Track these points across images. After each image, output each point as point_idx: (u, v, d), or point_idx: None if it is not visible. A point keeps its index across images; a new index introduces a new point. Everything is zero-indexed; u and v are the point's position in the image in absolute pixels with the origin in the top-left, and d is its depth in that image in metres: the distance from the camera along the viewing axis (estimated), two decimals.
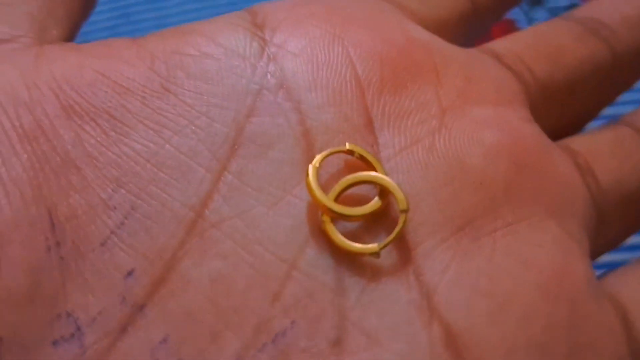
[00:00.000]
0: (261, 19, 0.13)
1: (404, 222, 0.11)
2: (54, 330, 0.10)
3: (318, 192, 0.11)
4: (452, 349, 0.11)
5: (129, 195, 0.11)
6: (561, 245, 0.12)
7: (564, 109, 0.15)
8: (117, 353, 0.10)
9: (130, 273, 0.11)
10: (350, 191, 0.12)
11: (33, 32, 0.13)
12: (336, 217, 0.11)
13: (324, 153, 0.11)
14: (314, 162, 0.11)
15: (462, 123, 0.13)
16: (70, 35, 0.14)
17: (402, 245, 0.11)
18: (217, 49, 0.12)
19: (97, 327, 0.10)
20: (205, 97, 0.12)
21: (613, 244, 0.15)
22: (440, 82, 0.13)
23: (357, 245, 0.11)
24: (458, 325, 0.11)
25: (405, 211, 0.11)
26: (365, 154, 0.11)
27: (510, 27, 0.31)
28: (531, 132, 0.13)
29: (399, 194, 0.11)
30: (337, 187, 0.11)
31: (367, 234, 0.12)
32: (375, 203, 0.11)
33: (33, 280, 0.10)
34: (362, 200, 0.11)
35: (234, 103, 0.12)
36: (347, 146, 0.12)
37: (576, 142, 0.15)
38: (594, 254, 0.14)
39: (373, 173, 0.11)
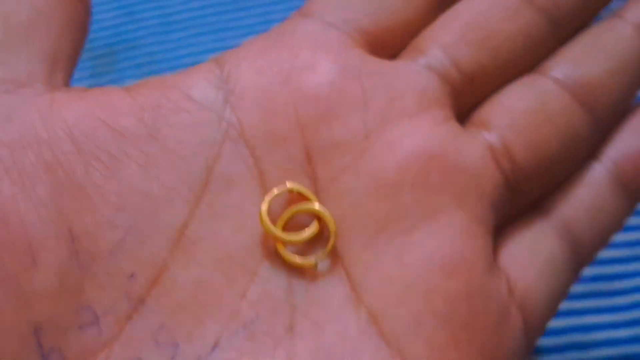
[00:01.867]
0: (227, 71, 0.16)
1: (334, 241, 0.15)
2: (79, 318, 0.13)
3: (270, 227, 0.14)
4: (375, 326, 0.14)
5: (128, 217, 0.14)
6: (463, 231, 0.15)
7: (494, 85, 0.17)
8: (126, 335, 0.13)
9: (132, 275, 0.14)
10: (295, 218, 0.15)
11: (45, 76, 0.16)
12: (285, 243, 0.15)
13: (270, 196, 0.15)
14: (263, 207, 0.14)
15: (380, 144, 0.15)
16: (70, 75, 0.17)
17: (334, 254, 0.15)
18: (191, 104, 0.15)
19: (110, 316, 0.13)
20: (183, 144, 0.15)
21: (532, 202, 0.17)
22: (367, 107, 0.15)
23: (299, 261, 0.14)
24: (378, 307, 0.14)
25: (334, 231, 0.15)
26: (301, 190, 0.15)
27: None
28: (443, 135, 0.15)
29: (329, 220, 0.15)
30: (284, 216, 0.15)
31: (308, 247, 0.15)
32: (312, 230, 0.15)
33: (61, 279, 0.13)
34: (304, 224, 0.15)
35: (205, 149, 0.15)
36: (288, 186, 0.15)
37: (496, 113, 0.16)
38: (511, 217, 0.16)
39: (309, 204, 0.15)
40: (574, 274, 0.16)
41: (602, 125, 0.17)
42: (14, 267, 0.13)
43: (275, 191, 0.15)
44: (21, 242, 0.13)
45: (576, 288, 0.24)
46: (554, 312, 0.16)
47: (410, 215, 0.15)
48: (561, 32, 0.17)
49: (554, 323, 0.24)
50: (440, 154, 0.15)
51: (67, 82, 0.16)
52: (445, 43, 0.16)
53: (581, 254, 0.16)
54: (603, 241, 0.17)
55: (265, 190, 0.15)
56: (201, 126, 0.15)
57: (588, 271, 0.25)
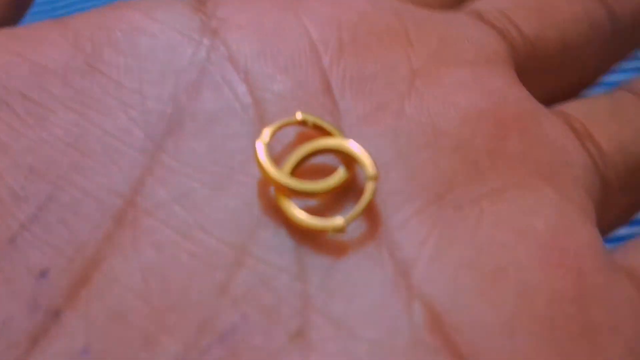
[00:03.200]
0: (211, 10, 0.12)
1: (373, 190, 0.10)
2: None
3: (270, 168, 0.09)
4: (438, 333, 0.09)
5: (45, 184, 0.10)
6: (560, 211, 0.11)
7: (557, 72, 0.14)
8: None
9: (43, 274, 0.09)
10: (308, 163, 0.10)
11: None
12: (295, 195, 0.10)
13: (274, 125, 0.10)
14: (262, 136, 0.10)
15: (435, 86, 0.11)
16: (12, 16, 0.13)
17: (372, 217, 0.10)
18: (152, 24, 0.11)
19: (1, 340, 0.09)
20: (137, 73, 0.11)
21: (620, 221, 0.13)
22: (411, 44, 0.12)
23: (318, 221, 0.09)
24: (443, 304, 0.09)
25: (375, 178, 0.10)
26: (320, 122, 0.10)
27: None
28: (515, 95, 0.12)
29: (366, 159, 0.10)
30: (292, 159, 0.10)
31: (328, 209, 0.10)
32: (341, 175, 0.10)
33: None
34: (323, 173, 0.10)
35: (172, 79, 0.11)
36: (299, 116, 0.10)
37: (571, 106, 0.13)
38: (601, 232, 0.12)
39: (333, 140, 0.10)
40: None
41: None
42: None
43: (279, 123, 0.10)
44: None
45: None
46: None
47: (486, 179, 0.11)
48: (623, 33, 0.14)
49: None
50: (519, 119, 0.11)
51: (12, 20, 0.13)
52: (502, 6, 0.14)
53: None
54: None
55: (261, 128, 0.11)
56: (167, 51, 0.11)
57: None
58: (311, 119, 0.10)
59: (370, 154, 0.10)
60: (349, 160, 0.10)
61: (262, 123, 0.11)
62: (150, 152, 0.10)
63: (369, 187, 0.10)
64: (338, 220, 0.09)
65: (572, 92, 0.14)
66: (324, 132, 0.10)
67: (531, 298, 0.09)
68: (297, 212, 0.09)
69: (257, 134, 0.10)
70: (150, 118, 0.10)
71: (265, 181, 0.10)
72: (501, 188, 0.11)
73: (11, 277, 0.09)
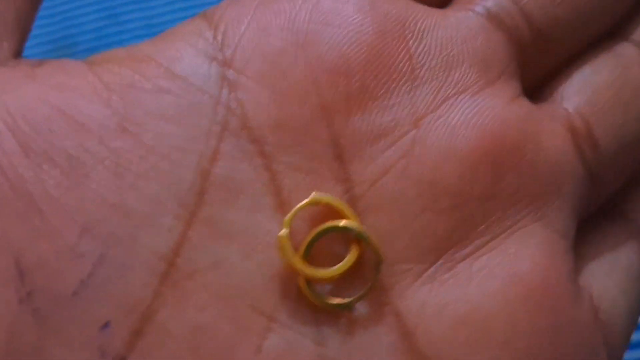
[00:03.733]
0: (221, 33, 0.12)
1: (377, 276, 0.11)
2: None
3: (293, 259, 0.11)
4: None
5: (97, 243, 0.10)
6: (546, 248, 0.12)
7: (568, 47, 0.14)
8: None
9: (106, 325, 0.10)
10: (325, 241, 0.11)
11: None
12: (312, 281, 0.11)
13: (291, 214, 0.11)
14: (283, 232, 0.11)
15: (436, 133, 0.12)
16: (21, 46, 0.13)
17: (379, 290, 0.11)
18: (175, 82, 0.12)
19: None
20: (166, 138, 0.11)
21: (609, 197, 0.14)
22: (416, 81, 0.12)
23: (330, 301, 0.11)
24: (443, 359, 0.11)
25: (380, 263, 0.11)
26: (332, 202, 0.11)
27: None
28: (515, 119, 0.12)
29: (373, 246, 0.11)
30: (308, 240, 0.11)
31: (345, 282, 0.11)
32: (347, 261, 0.11)
33: (10, 335, 0.10)
34: (337, 249, 0.11)
35: (197, 145, 0.11)
36: (313, 196, 0.11)
37: (573, 88, 0.13)
38: (588, 213, 0.14)
39: (342, 223, 0.11)
40: None
41: None
42: None
43: (294, 211, 0.11)
44: None
45: None
46: (633, 332, 0.13)
47: (477, 232, 0.12)
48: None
49: None
50: (516, 146, 0.12)
51: (17, 52, 0.13)
52: None
53: None
54: None
55: (280, 200, 0.11)
56: (190, 114, 0.11)
57: None
58: (323, 199, 0.11)
59: (377, 225, 0.11)
60: (357, 239, 0.11)
61: (280, 195, 0.11)
62: (185, 219, 0.11)
63: (374, 273, 0.11)
64: (346, 301, 0.11)
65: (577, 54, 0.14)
66: (335, 210, 0.11)
67: (514, 344, 0.11)
68: (315, 293, 0.11)
69: (277, 206, 0.11)
70: (181, 186, 0.11)
71: (288, 266, 0.11)
72: (492, 238, 0.12)
73: (80, 327, 0.10)
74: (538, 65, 0.14)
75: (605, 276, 0.13)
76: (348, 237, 0.11)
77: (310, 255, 0.11)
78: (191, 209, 0.11)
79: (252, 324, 0.11)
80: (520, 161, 0.12)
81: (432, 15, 0.13)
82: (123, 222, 0.11)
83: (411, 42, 0.12)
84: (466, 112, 0.12)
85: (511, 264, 0.12)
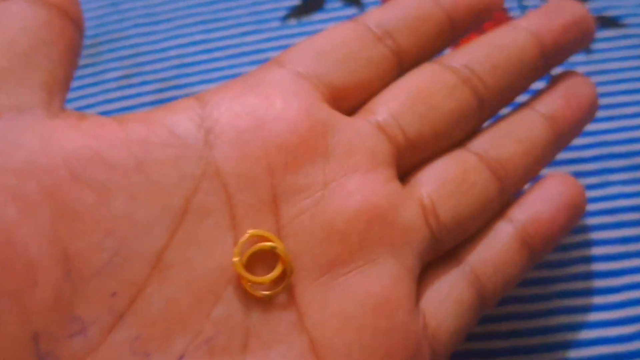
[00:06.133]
0: (208, 111, 0.18)
1: (289, 280, 0.17)
2: (70, 328, 0.15)
3: (244, 274, 0.17)
4: (313, 351, 0.17)
5: (114, 242, 0.16)
6: (394, 277, 0.18)
7: (430, 151, 0.20)
8: (108, 344, 0.15)
9: (114, 294, 0.16)
10: (260, 256, 0.17)
11: (44, 101, 0.17)
12: (254, 283, 0.17)
13: (237, 247, 0.17)
14: (235, 259, 0.17)
15: (336, 194, 0.18)
16: (66, 96, 0.18)
17: (289, 289, 0.17)
18: (175, 140, 0.17)
19: (95, 327, 0.15)
20: (166, 176, 0.17)
21: (447, 251, 0.20)
22: (328, 160, 0.18)
23: (260, 293, 0.17)
24: (318, 336, 0.17)
25: (290, 273, 0.17)
26: (264, 234, 0.17)
27: (504, 17, 0.31)
28: (386, 193, 0.18)
29: (286, 259, 0.17)
30: (248, 253, 0.17)
31: (271, 283, 0.17)
32: (275, 271, 0.17)
33: (56, 295, 0.15)
34: (268, 258, 0.17)
35: (185, 183, 0.17)
36: (250, 232, 0.17)
37: (428, 180, 0.20)
38: (430, 262, 0.20)
39: (269, 244, 0.17)
40: (477, 314, 0.20)
41: (509, 192, 0.21)
42: (17, 284, 0.15)
43: (239, 245, 0.17)
44: (24, 262, 0.15)
45: (569, 286, 0.24)
46: (458, 344, 0.19)
47: (354, 260, 0.18)
48: (487, 111, 0.21)
49: (545, 322, 0.23)
50: (384, 210, 0.18)
51: (63, 103, 0.18)
52: (395, 110, 0.20)
53: (486, 298, 0.20)
54: (505, 289, 0.20)
55: (234, 223, 0.17)
56: (183, 162, 0.17)
57: (581, 268, 0.24)
58: (256, 233, 0.17)
59: (291, 246, 0.17)
60: (279, 255, 0.17)
61: (234, 220, 0.17)
62: (172, 230, 0.16)
63: (287, 277, 0.17)
64: (266, 292, 0.17)
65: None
66: (267, 239, 0.17)
67: (362, 333, 0.17)
68: (249, 286, 0.17)
69: (233, 226, 0.17)
70: (172, 209, 0.17)
71: (239, 275, 0.17)
72: (362, 264, 0.18)
73: (97, 295, 0.15)
74: (409, 161, 0.20)
75: (437, 303, 0.19)
76: (275, 254, 0.17)
77: (251, 263, 0.17)
78: (176, 223, 0.16)
79: (206, 299, 0.16)
80: (385, 220, 0.18)
81: (344, 120, 0.19)
82: (132, 229, 0.16)
83: (329, 136, 0.18)
84: (357, 184, 0.18)
85: (370, 282, 0.17)
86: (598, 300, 0.24)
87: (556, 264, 0.24)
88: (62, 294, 0.15)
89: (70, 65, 0.18)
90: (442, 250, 0.20)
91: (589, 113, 0.22)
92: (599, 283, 0.24)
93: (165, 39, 0.31)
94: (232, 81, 0.19)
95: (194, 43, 0.31)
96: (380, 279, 0.17)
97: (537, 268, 0.24)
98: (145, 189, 0.16)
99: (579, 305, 0.24)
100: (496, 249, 0.20)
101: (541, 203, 0.21)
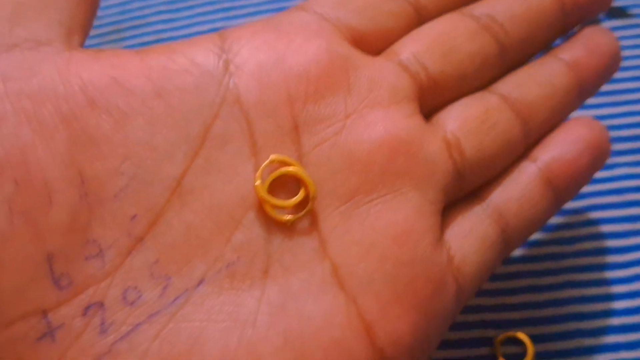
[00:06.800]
0: (229, 44, 0.18)
1: (312, 205, 0.17)
2: (86, 250, 0.15)
3: (265, 195, 0.17)
4: (336, 277, 0.17)
5: (132, 166, 0.16)
6: (417, 208, 0.18)
7: (454, 92, 0.20)
8: (126, 267, 0.16)
9: (133, 217, 0.16)
10: (282, 179, 0.17)
11: (62, 37, 0.17)
12: (276, 207, 0.17)
13: (259, 171, 0.17)
14: (257, 182, 0.17)
15: (358, 125, 0.18)
16: (85, 38, 0.18)
17: (311, 217, 0.17)
18: (195, 68, 0.17)
19: (112, 250, 0.15)
20: (185, 102, 0.17)
21: (472, 190, 0.20)
22: (350, 93, 0.18)
23: (279, 216, 0.17)
24: (340, 262, 0.17)
25: (314, 199, 0.17)
26: (285, 159, 0.17)
27: None
28: (409, 126, 0.18)
29: (310, 185, 0.17)
30: (270, 178, 0.17)
31: (293, 208, 0.17)
32: (298, 196, 0.17)
33: (71, 217, 0.15)
34: (290, 188, 0.17)
35: (204, 110, 0.17)
36: (271, 157, 0.17)
37: (452, 117, 0.20)
38: (456, 201, 0.20)
39: (293, 168, 0.17)
40: (502, 253, 0.20)
41: (533, 135, 0.21)
42: (32, 203, 0.15)
43: (261, 168, 0.17)
44: (39, 182, 0.15)
45: (578, 261, 0.25)
46: (483, 281, 0.19)
47: (376, 190, 0.18)
48: (508, 59, 0.21)
49: (556, 294, 0.24)
50: (407, 142, 0.18)
51: (82, 44, 0.18)
52: (417, 51, 0.20)
53: (510, 237, 0.20)
54: (529, 230, 0.20)
55: (254, 150, 0.17)
56: (202, 89, 0.17)
57: (589, 245, 0.25)
58: (278, 158, 0.17)
59: (312, 174, 0.17)
60: (301, 180, 0.17)
61: (254, 147, 0.17)
62: (190, 156, 0.17)
63: (311, 203, 0.17)
64: (289, 217, 0.17)
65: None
66: (288, 164, 0.17)
67: (386, 261, 0.17)
68: (272, 210, 0.17)
69: (252, 154, 0.17)
70: (190, 135, 0.17)
71: (261, 199, 0.17)
72: (384, 194, 0.18)
73: (116, 217, 0.16)
74: (431, 102, 0.20)
75: (462, 238, 0.19)
76: (297, 179, 0.17)
77: (272, 189, 0.17)
78: (195, 150, 0.17)
79: (226, 225, 0.16)
80: (408, 152, 0.18)
81: (365, 58, 0.19)
82: (150, 154, 0.16)
83: (350, 70, 0.18)
84: (379, 116, 0.18)
85: (393, 212, 0.17)
86: (606, 275, 0.25)
87: (566, 240, 0.25)
88: (78, 216, 0.15)
89: (89, 8, 0.19)
90: (466, 188, 0.20)
91: (611, 63, 0.22)
92: (607, 259, 0.25)
93: (187, 26, 0.32)
94: (254, 22, 0.19)
95: (214, 30, 0.32)
96: (402, 210, 0.18)
97: (547, 244, 0.25)
98: (164, 116, 0.16)
99: (588, 280, 0.25)
100: (520, 188, 0.20)
101: (565, 144, 0.21)
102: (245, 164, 0.17)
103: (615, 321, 0.24)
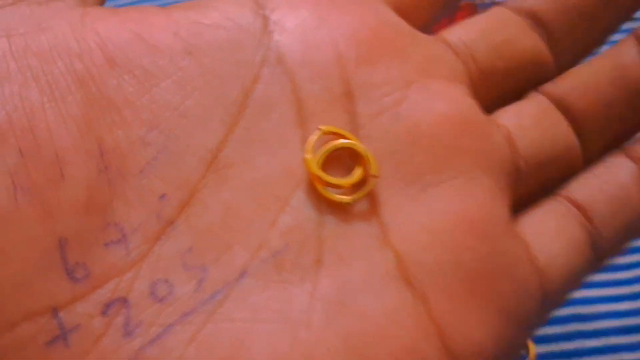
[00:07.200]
0: (262, 1, 0.15)
1: (373, 184, 0.14)
2: (106, 235, 0.13)
3: (317, 171, 0.14)
4: (399, 269, 0.14)
5: (160, 135, 0.13)
6: (490, 194, 0.15)
7: (499, 88, 0.18)
8: (154, 256, 0.13)
9: (163, 196, 0.13)
10: (335, 153, 0.15)
11: None
12: (328, 185, 0.14)
13: (309, 143, 0.14)
14: (307, 156, 0.14)
15: (421, 95, 0.15)
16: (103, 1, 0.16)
17: (370, 198, 0.15)
18: (229, 23, 0.15)
19: (138, 235, 0.13)
20: (219, 62, 0.14)
21: (526, 201, 0.17)
22: (406, 59, 0.16)
23: (338, 196, 0.14)
24: (404, 251, 0.14)
25: (375, 176, 0.14)
26: (336, 131, 0.14)
27: (472, 11, 0.32)
28: (474, 107, 0.16)
29: (372, 163, 0.14)
30: (322, 152, 0.14)
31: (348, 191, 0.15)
32: (355, 174, 0.14)
33: (89, 194, 0.13)
34: (342, 160, 0.15)
35: (243, 71, 0.14)
36: (322, 129, 0.14)
37: (505, 116, 0.17)
38: (529, 200, 0.17)
39: (349, 141, 0.14)
40: (592, 263, 0.16)
41: (594, 142, 0.18)
42: (40, 177, 0.12)
43: (313, 139, 0.14)
44: (48, 152, 0.13)
45: None
46: (573, 290, 0.16)
47: (444, 170, 0.15)
48: (559, 58, 0.18)
49: None
50: (476, 123, 0.16)
51: (101, 3, 0.16)
52: (468, 39, 0.17)
53: (601, 243, 0.16)
54: (625, 235, 0.17)
55: (302, 118, 0.15)
56: (239, 46, 0.14)
57: None
58: (330, 129, 0.14)
59: (372, 149, 0.15)
60: (359, 155, 0.14)
61: (301, 114, 0.15)
62: (228, 125, 0.14)
63: (372, 182, 0.14)
64: (347, 198, 0.14)
65: (511, 99, 0.18)
66: (341, 136, 0.15)
67: (460, 253, 0.14)
68: (327, 191, 0.14)
69: (299, 122, 0.15)
70: (227, 99, 0.14)
71: (312, 175, 0.14)
72: (454, 176, 0.15)
73: (142, 196, 0.13)
74: (480, 97, 0.17)
75: (546, 238, 0.16)
76: (354, 154, 0.15)
77: (323, 165, 0.14)
78: (234, 117, 0.14)
79: (270, 205, 0.14)
80: (476, 131, 0.16)
81: (417, 31, 0.16)
82: (182, 122, 0.14)
83: (404, 37, 0.16)
84: (442, 89, 0.16)
85: (465, 198, 0.15)
86: (608, 276, 0.25)
87: None
88: (96, 193, 0.13)
89: None
90: (524, 188, 0.17)
91: None
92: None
93: None
94: None
95: None
96: (477, 195, 0.15)
97: None
98: (196, 77, 0.14)
99: (589, 281, 0.25)
100: (612, 189, 0.17)
101: None
102: (292, 135, 0.14)
103: (617, 323, 0.24)
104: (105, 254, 0.13)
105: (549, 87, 0.18)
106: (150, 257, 0.13)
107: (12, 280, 0.12)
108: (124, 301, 0.13)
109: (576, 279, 0.16)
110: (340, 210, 0.14)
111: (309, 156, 0.14)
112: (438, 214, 0.15)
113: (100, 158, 0.13)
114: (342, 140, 0.14)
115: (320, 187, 0.14)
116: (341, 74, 0.15)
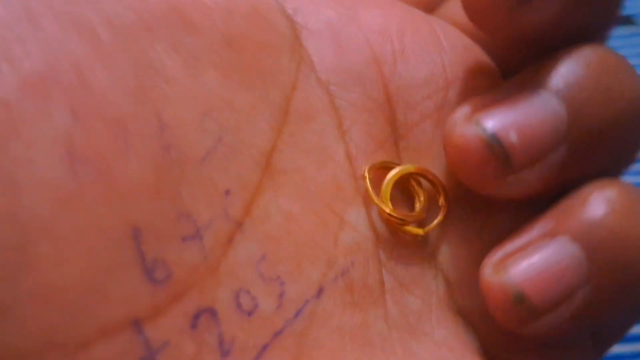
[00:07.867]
0: (284, 3, 0.14)
1: (446, 213, 0.14)
2: (181, 227, 0.11)
3: (380, 204, 0.13)
4: (449, 294, 0.13)
5: (215, 124, 0.12)
6: None
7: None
8: (231, 261, 0.11)
9: (228, 192, 0.12)
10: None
11: None
12: (402, 222, 0.13)
13: (367, 167, 0.13)
14: (364, 173, 0.13)
15: (461, 97, 0.14)
16: None
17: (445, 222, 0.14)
18: (262, 21, 0.13)
19: (211, 233, 0.11)
20: (261, 61, 0.13)
21: None
22: (445, 50, 0.14)
23: (411, 228, 0.13)
24: (453, 279, 0.14)
25: (447, 207, 0.14)
26: (381, 166, 0.14)
27: None
28: None
29: (441, 189, 0.14)
30: (387, 186, 0.13)
31: (398, 199, 0.14)
32: (423, 203, 0.14)
33: (157, 175, 0.11)
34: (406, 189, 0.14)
35: (282, 76, 0.13)
36: (367, 175, 0.13)
37: None
38: None
39: (413, 168, 0.14)
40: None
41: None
42: (101, 146, 0.10)
43: (365, 173, 0.13)
44: (108, 115, 0.10)
45: None
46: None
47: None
48: None
49: None
50: None
51: None
52: None
53: None
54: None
55: (341, 131, 0.13)
56: (276, 49, 0.13)
57: None
58: (377, 165, 0.13)
59: (415, 164, 0.14)
60: (427, 180, 0.14)
61: (340, 128, 0.13)
62: (276, 128, 0.13)
63: (442, 212, 0.14)
64: (419, 230, 0.13)
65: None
66: (388, 166, 0.14)
67: None
68: (403, 226, 0.13)
69: (340, 135, 0.13)
70: (272, 103, 0.13)
71: (370, 201, 0.13)
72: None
73: (207, 188, 0.11)
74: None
75: None
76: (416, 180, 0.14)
77: (391, 195, 0.13)
78: (280, 121, 0.13)
79: (329, 220, 0.13)
80: None
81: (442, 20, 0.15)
82: (232, 115, 0.12)
83: (436, 26, 0.15)
84: (485, 86, 0.14)
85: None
86: None
87: None
88: (164, 175, 0.11)
89: None
90: None
91: None
92: None
93: None
94: None
95: None
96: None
97: None
98: (239, 71, 0.12)
99: None
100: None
101: None
102: (336, 146, 0.13)
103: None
104: (183, 251, 0.11)
105: None
106: (227, 261, 0.11)
107: (81, 283, 0.10)
108: (212, 313, 0.11)
109: None
110: (393, 230, 0.13)
111: (377, 200, 0.13)
112: (483, 241, 0.14)
113: (161, 132, 0.11)
114: (403, 169, 0.14)
115: (391, 222, 0.13)
116: (379, 75, 0.14)
